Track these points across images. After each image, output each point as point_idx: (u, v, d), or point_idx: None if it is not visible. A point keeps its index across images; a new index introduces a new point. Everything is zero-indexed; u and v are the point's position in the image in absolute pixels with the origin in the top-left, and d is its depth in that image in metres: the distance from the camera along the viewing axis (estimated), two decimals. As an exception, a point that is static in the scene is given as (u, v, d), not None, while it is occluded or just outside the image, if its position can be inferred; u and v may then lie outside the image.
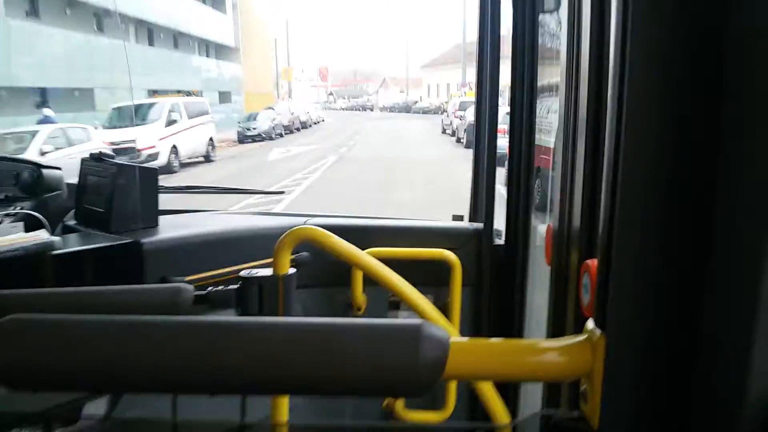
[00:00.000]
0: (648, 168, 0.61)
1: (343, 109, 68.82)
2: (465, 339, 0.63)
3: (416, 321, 0.57)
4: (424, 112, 43.30)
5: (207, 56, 32.44)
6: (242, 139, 22.75)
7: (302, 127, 30.44)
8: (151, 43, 25.39)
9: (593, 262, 0.89)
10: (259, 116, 24.36)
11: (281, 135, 25.22)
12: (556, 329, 1.12)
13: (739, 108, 0.56)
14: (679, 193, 0.60)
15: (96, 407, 1.49)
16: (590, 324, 0.65)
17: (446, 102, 36.95)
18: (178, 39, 27.57)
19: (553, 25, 1.63)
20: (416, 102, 53.54)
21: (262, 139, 22.85)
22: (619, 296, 0.62)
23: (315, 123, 35.72)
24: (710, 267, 0.59)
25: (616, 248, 0.62)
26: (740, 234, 0.55)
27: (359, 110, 62.74)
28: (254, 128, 23.17)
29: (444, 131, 24.05)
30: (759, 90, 0.53)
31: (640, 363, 0.62)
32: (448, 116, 23.28)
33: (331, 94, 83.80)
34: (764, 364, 0.53)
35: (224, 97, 31.95)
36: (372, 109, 61.72)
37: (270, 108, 27.47)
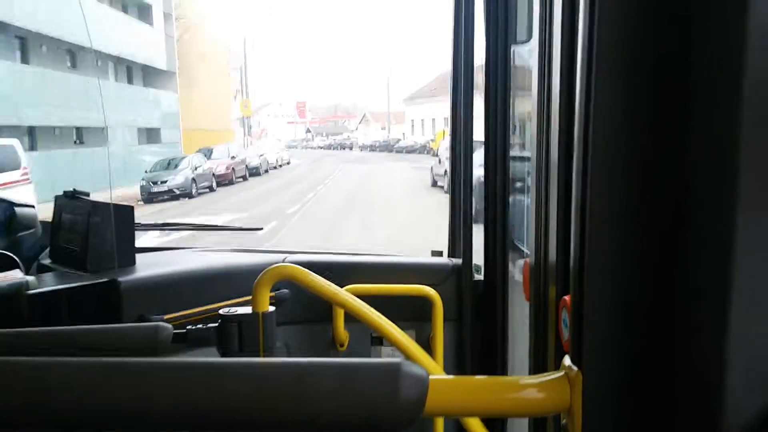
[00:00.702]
0: (616, 204, 0.62)
1: (320, 147, 64.82)
2: (444, 376, 0.63)
3: (395, 360, 0.58)
4: (408, 152, 40.04)
5: (128, 81, 24.47)
6: (148, 197, 16.62)
7: (255, 173, 24.02)
8: (25, 60, 17.69)
9: (570, 298, 0.90)
10: (182, 163, 18.17)
11: (211, 188, 19.10)
12: (537, 364, 1.12)
13: (705, 139, 0.58)
14: (648, 230, 0.62)
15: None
16: (567, 360, 0.66)
17: (432, 141, 33.72)
18: (76, 56, 19.62)
19: (525, 57, 1.66)
20: (398, 140, 50.12)
21: (177, 197, 16.86)
22: (594, 333, 0.63)
23: (277, 166, 29.61)
24: (683, 299, 0.60)
25: (588, 285, 0.63)
26: (710, 271, 0.57)
27: (338, 149, 59.43)
28: (163, 182, 17.08)
29: (435, 184, 16.77)
30: (720, 122, 0.55)
31: (618, 397, 0.63)
32: (440, 162, 16.06)
33: (308, 131, 79.69)
34: (738, 399, 0.54)
35: (152, 135, 25.25)
36: (351, 148, 58.04)
37: (200, 152, 21.03)
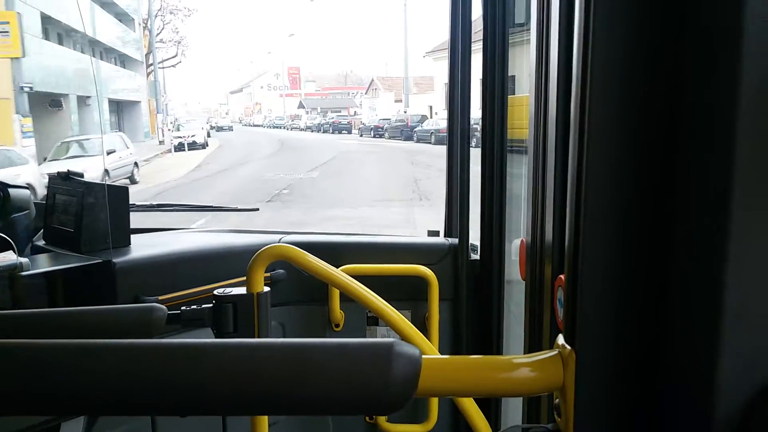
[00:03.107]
0: (611, 183, 0.62)
1: (307, 128, 49.99)
2: (437, 356, 0.63)
3: (388, 339, 0.57)
4: (440, 141, 19.41)
5: None
6: None
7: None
8: None
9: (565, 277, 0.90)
10: None
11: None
12: (533, 343, 1.12)
13: (699, 123, 0.57)
14: (643, 210, 0.62)
15: (73, 426, 1.45)
16: (560, 339, 0.65)
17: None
18: None
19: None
20: (423, 118, 30.46)
21: None
22: (587, 311, 0.63)
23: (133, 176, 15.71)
24: (675, 280, 0.60)
25: (582, 264, 0.63)
26: (702, 248, 0.56)
27: (329, 131, 43.90)
28: None
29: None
30: (719, 102, 0.54)
31: (610, 376, 0.63)
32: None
33: (301, 105, 63.26)
34: (730, 374, 0.54)
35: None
36: (349, 131, 42.39)
37: None
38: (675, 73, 0.59)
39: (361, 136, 37.66)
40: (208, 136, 33.68)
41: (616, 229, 0.62)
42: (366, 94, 60.48)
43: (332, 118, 49.45)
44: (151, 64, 34.62)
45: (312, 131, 48.19)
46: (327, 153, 22.77)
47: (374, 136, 34.71)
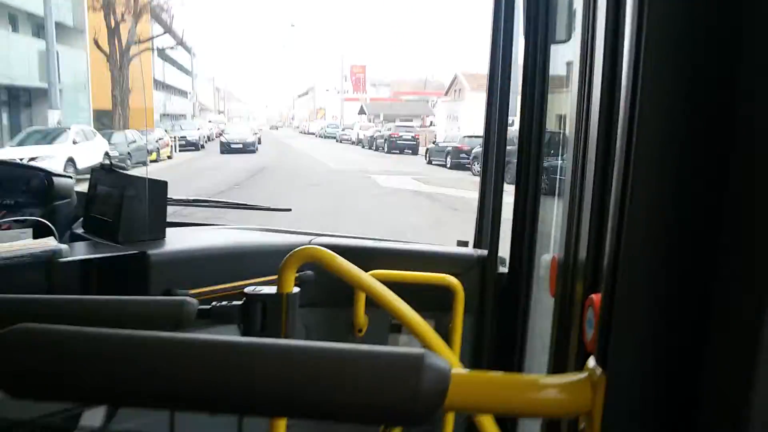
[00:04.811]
0: (655, 206, 0.61)
1: (357, 142, 35.78)
2: (466, 371, 0.63)
3: (418, 350, 0.57)
4: None
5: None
6: None
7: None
8: None
9: (598, 297, 0.89)
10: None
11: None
12: (557, 363, 1.11)
13: (754, 142, 0.56)
14: (686, 235, 0.61)
15: (93, 417, 1.48)
16: (591, 362, 0.65)
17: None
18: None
19: (566, 57, 1.65)
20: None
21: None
22: (622, 335, 0.62)
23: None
24: (713, 308, 0.59)
25: (620, 286, 0.62)
26: (747, 271, 0.56)
27: (382, 149, 28.65)
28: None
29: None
30: (763, 139, 0.54)
31: (640, 404, 0.62)
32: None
33: (362, 111, 47.23)
34: (765, 407, 0.53)
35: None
36: (414, 150, 27.43)
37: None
38: (730, 89, 0.58)
39: (430, 163, 21.75)
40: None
41: (658, 250, 0.61)
42: (446, 95, 39.64)
43: (390, 129, 30.33)
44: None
45: (363, 147, 33.16)
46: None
47: (451, 166, 19.49)
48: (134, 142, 17.60)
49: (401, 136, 28.56)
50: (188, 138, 26.02)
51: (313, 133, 52.52)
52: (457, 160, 19.55)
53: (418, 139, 28.63)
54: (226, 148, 25.74)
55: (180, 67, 40.52)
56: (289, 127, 73.27)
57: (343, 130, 43.34)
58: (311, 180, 15.95)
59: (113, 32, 22.98)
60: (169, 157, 20.92)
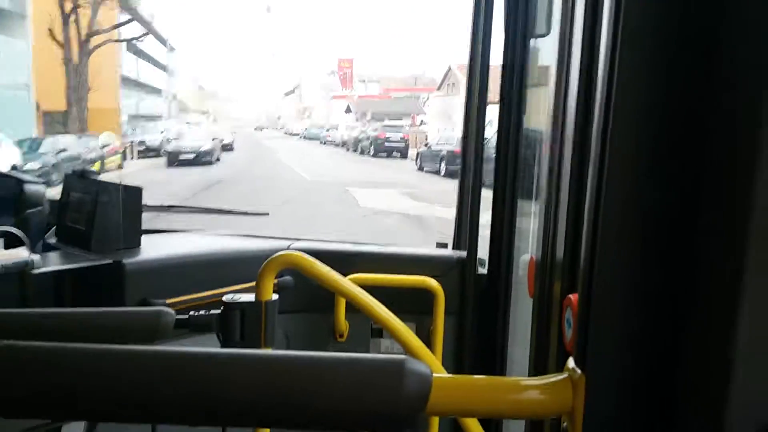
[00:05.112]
0: (631, 203, 0.62)
1: (342, 144, 31.91)
2: (447, 375, 0.63)
3: (399, 357, 0.58)
4: None
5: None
6: None
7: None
8: None
9: (575, 297, 0.90)
10: None
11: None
12: (538, 363, 1.12)
13: (724, 137, 0.57)
14: (664, 230, 0.61)
15: (73, 430, 1.45)
16: (571, 362, 0.65)
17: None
18: None
19: (544, 51, 1.64)
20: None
21: None
22: (600, 335, 0.63)
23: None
24: (690, 306, 0.60)
25: (597, 285, 0.63)
26: (718, 273, 0.56)
27: (368, 152, 25.07)
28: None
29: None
30: (742, 127, 0.54)
31: (620, 402, 0.63)
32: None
33: (348, 110, 43.76)
34: (742, 403, 0.54)
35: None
36: (403, 153, 24.47)
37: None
38: (701, 86, 0.59)
39: (421, 169, 19.06)
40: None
41: (634, 249, 0.62)
42: (438, 89, 35.56)
43: (376, 130, 26.24)
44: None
45: (348, 149, 28.99)
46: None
47: (446, 174, 16.68)
48: (64, 150, 14.67)
49: (389, 138, 24.87)
50: (149, 143, 21.88)
51: (297, 134, 49.07)
52: (453, 167, 15.34)
53: (407, 140, 25.30)
54: (174, 159, 19.83)
55: (156, 64, 37.02)
56: (274, 129, 70.20)
57: (327, 130, 39.65)
58: (275, 199, 12.70)
59: (68, 19, 19.30)
60: (120, 167, 18.26)
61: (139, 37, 26.35)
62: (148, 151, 22.15)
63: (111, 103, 24.00)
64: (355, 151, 27.54)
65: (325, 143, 35.79)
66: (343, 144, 31.30)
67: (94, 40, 20.63)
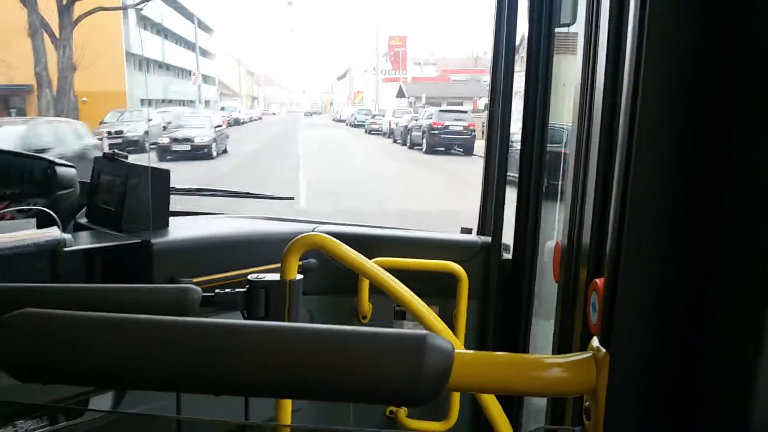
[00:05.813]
0: (658, 190, 0.61)
1: (388, 134, 24.73)
2: (469, 351, 0.64)
3: (422, 331, 0.58)
4: None
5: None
6: None
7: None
8: None
9: (601, 281, 0.90)
10: None
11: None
12: (562, 347, 1.12)
13: (752, 135, 0.56)
14: (689, 216, 0.61)
15: (101, 402, 1.50)
16: (595, 342, 0.65)
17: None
18: None
19: (569, 39, 1.63)
20: None
21: None
22: (625, 315, 0.62)
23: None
24: (716, 290, 0.59)
25: (623, 269, 0.63)
26: (747, 258, 0.56)
27: (420, 147, 17.64)
28: None
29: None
30: None
31: (644, 382, 0.63)
32: None
33: (401, 93, 37.41)
34: (765, 386, 0.53)
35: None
36: (468, 150, 17.05)
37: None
38: (733, 75, 0.58)
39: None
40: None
41: (661, 234, 0.61)
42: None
43: (430, 116, 18.85)
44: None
45: (396, 141, 22.75)
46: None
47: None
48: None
49: (447, 127, 17.73)
50: (128, 135, 15.61)
51: (344, 121, 42.51)
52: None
53: (472, 130, 17.70)
54: (165, 153, 15.68)
55: (190, 46, 34.13)
56: (327, 113, 67.67)
57: (373, 117, 32.06)
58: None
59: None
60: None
61: (138, 4, 21.08)
62: (128, 146, 15.24)
63: (117, 86, 20.17)
64: (403, 144, 20.93)
65: (370, 132, 29.66)
66: (390, 133, 25.03)
67: (79, 6, 15.47)
